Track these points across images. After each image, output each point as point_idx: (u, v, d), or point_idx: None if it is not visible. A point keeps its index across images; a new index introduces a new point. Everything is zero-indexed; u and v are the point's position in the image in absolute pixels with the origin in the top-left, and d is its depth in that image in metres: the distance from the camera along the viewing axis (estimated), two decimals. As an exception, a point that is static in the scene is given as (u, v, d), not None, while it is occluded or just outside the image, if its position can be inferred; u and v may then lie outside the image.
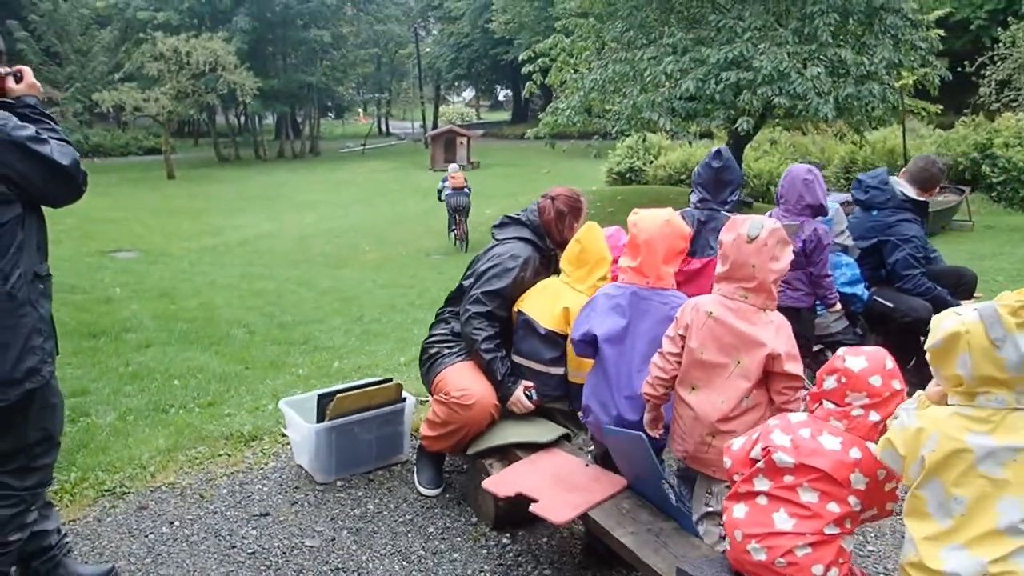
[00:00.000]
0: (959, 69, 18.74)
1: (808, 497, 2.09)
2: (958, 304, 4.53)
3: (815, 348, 4.69)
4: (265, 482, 3.68)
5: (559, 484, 2.92)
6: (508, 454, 3.24)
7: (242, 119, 47.29)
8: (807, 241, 4.16)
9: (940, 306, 4.57)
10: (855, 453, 2.09)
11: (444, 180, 18.12)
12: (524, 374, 3.39)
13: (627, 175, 23.39)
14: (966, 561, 1.99)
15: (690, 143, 19.27)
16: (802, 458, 2.10)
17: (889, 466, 2.11)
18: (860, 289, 4.51)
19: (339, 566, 3.03)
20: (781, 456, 2.11)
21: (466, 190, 17.89)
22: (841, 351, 2.23)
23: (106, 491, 3.62)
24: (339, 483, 3.64)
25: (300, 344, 7.43)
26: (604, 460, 3.09)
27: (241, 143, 43.77)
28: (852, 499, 2.08)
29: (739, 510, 2.19)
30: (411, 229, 20.38)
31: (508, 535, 3.23)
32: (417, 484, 3.60)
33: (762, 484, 2.16)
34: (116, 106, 33.14)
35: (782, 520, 2.10)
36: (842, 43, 13.71)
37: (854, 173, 19.69)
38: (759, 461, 2.17)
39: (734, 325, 2.62)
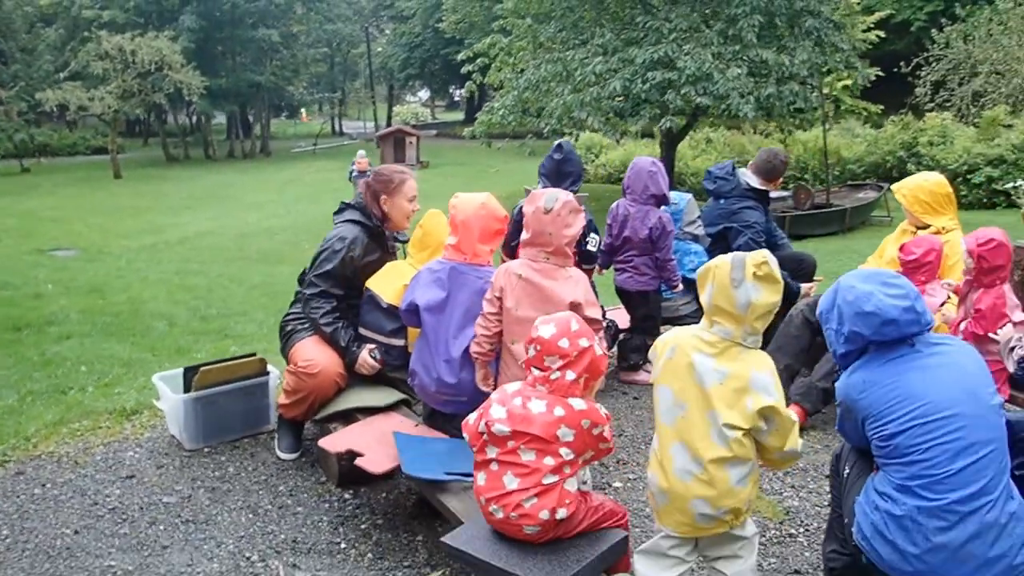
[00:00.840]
0: (895, 70, 19.41)
1: (527, 457, 2.43)
2: (797, 287, 4.94)
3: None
4: (138, 450, 3.97)
5: (385, 441, 3.25)
6: (351, 418, 3.56)
7: (193, 119, 47.06)
8: (653, 228, 4.54)
9: (787, 291, 4.99)
10: (559, 411, 2.44)
11: (352, 164, 19.10)
12: (373, 344, 3.72)
13: (570, 174, 23.79)
14: (686, 461, 2.53)
15: (618, 141, 19.64)
16: (515, 425, 2.43)
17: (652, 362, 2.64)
18: (706, 274, 4.89)
19: (190, 519, 3.34)
20: (499, 427, 2.45)
21: (369, 173, 18.09)
22: (537, 321, 2.56)
23: (-11, 459, 3.89)
24: (206, 450, 3.94)
25: (213, 334, 7.68)
26: (431, 419, 3.43)
27: (191, 143, 43.55)
28: (564, 450, 2.43)
29: (480, 478, 2.53)
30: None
31: (351, 492, 3.55)
32: (277, 449, 3.91)
33: (492, 452, 2.49)
34: (60, 105, 32.87)
35: (510, 480, 2.44)
36: (766, 44, 14.18)
37: (788, 172, 20.29)
38: (484, 434, 2.51)
39: (540, 283, 3.02)
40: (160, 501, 3.46)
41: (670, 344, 2.63)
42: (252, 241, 18.68)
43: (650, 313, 4.72)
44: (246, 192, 27.62)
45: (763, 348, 4.46)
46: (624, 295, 4.81)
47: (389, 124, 48.65)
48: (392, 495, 3.55)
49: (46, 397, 5.09)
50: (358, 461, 3.14)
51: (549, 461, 2.43)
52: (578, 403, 2.47)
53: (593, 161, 23.42)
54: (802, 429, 3.51)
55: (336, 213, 4.03)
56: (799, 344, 4.41)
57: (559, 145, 4.40)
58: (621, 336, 4.92)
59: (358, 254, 3.81)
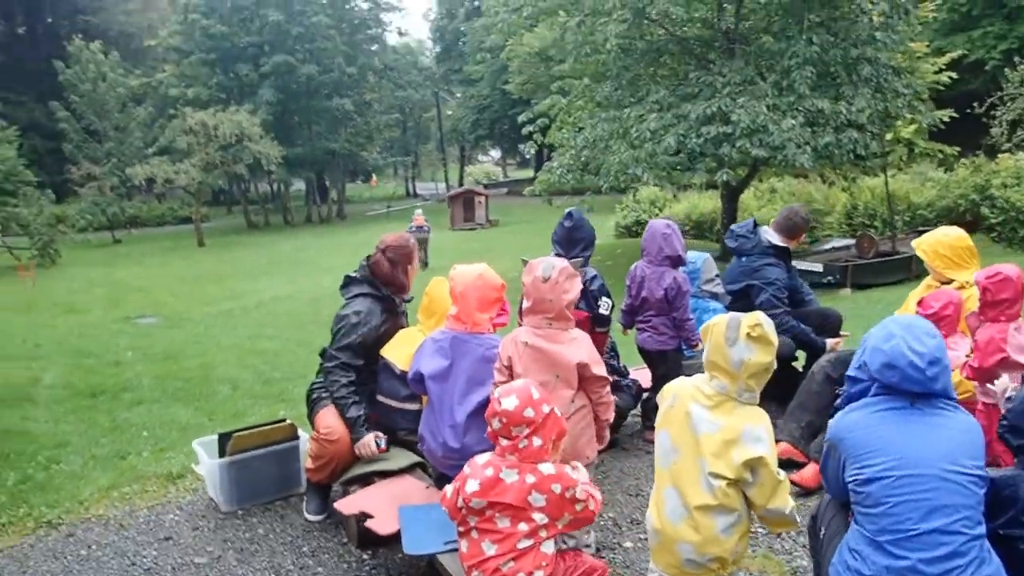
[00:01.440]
0: (969, 111, 19.06)
1: (502, 524, 2.60)
2: (821, 343, 4.98)
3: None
4: (178, 512, 4.22)
5: (395, 502, 3.43)
6: (369, 481, 3.76)
7: (272, 187, 48.81)
8: (668, 289, 4.67)
9: (802, 343, 5.02)
10: (529, 479, 2.59)
11: (412, 220, 23.20)
12: (385, 411, 3.92)
13: (633, 228, 23.91)
14: (676, 505, 2.72)
15: (674, 196, 19.66)
16: (489, 496, 2.59)
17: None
18: (726, 331, 4.96)
19: (218, 579, 3.56)
20: (476, 501, 2.61)
21: (425, 228, 22.75)
22: (496, 393, 2.72)
23: (45, 522, 4.19)
24: (240, 512, 4.17)
25: (271, 398, 8.00)
26: (440, 482, 3.59)
27: (271, 210, 45.16)
28: (537, 515, 2.59)
29: (463, 545, 2.70)
30: (418, 285, 21.10)
31: (369, 552, 3.71)
32: (304, 511, 4.12)
33: (472, 521, 2.66)
34: (149, 179, 34.53)
35: (488, 547, 2.60)
36: (822, 93, 14.16)
37: (856, 219, 20.01)
38: (462, 508, 2.67)
39: (546, 348, 3.18)
40: (192, 562, 3.69)
41: (672, 392, 2.82)
42: (325, 304, 19.19)
43: (670, 372, 4.79)
44: (321, 256, 28.44)
45: (785, 404, 4.55)
46: (645, 355, 4.92)
47: (461, 184, 49.64)
48: (407, 556, 3.70)
49: (106, 462, 5.43)
50: (368, 523, 3.33)
51: (523, 527, 2.59)
52: (547, 468, 2.63)
53: (657, 215, 23.49)
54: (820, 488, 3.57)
55: (342, 287, 4.25)
56: (821, 400, 4.42)
57: (569, 213, 4.57)
58: (644, 396, 5.03)
59: (375, 323, 4.04)
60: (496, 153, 73.21)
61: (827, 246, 15.56)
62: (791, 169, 15.62)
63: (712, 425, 2.66)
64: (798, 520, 2.78)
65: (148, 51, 52.31)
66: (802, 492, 4.05)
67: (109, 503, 4.39)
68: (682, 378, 2.90)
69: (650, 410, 4.92)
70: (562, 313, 3.18)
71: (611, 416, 3.30)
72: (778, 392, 4.73)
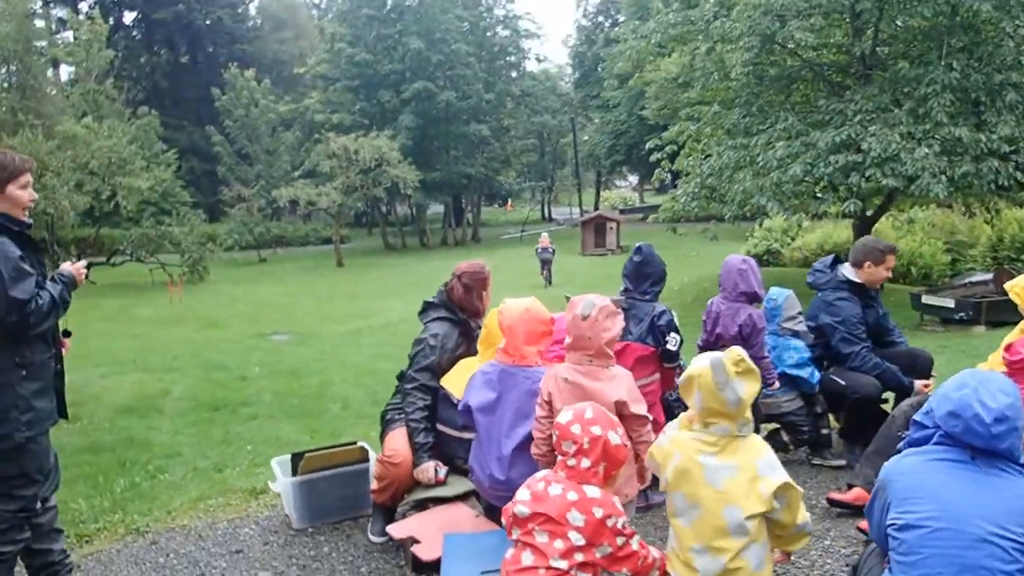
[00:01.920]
0: None
1: (541, 539, 2.64)
2: (909, 382, 4.76)
3: (772, 427, 5.03)
4: (254, 527, 4.43)
5: (444, 529, 3.50)
6: (425, 506, 3.85)
7: (412, 210, 50.25)
8: (743, 326, 4.58)
9: (890, 383, 4.81)
10: (572, 496, 2.63)
11: (538, 242, 26.40)
12: (444, 439, 4.01)
13: (764, 257, 23.36)
14: (708, 560, 2.69)
15: (799, 225, 19.03)
16: (534, 507, 2.66)
17: (655, 472, 2.86)
18: (807, 371, 4.81)
19: (277, 593, 3.72)
20: (520, 508, 2.69)
21: (550, 249, 26.13)
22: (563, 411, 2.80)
23: (134, 529, 4.47)
24: (310, 529, 4.33)
25: (375, 419, 8.21)
26: (489, 512, 3.64)
27: (408, 232, 46.49)
28: (573, 534, 2.60)
29: (508, 553, 2.76)
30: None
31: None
32: (368, 532, 4.24)
33: (516, 533, 2.72)
34: (292, 201, 36.21)
35: (527, 558, 2.64)
36: (963, 121, 13.53)
37: (1001, 253, 18.91)
38: (512, 516, 2.74)
39: (586, 384, 3.22)
40: (256, 575, 3.87)
41: (672, 452, 2.79)
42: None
43: (745, 411, 4.70)
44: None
45: (864, 448, 4.38)
46: (721, 393, 4.82)
47: (596, 209, 49.72)
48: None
49: (204, 474, 5.74)
50: (414, 548, 3.42)
51: (559, 544, 2.62)
52: (592, 491, 2.68)
53: (789, 244, 22.89)
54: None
55: (421, 312, 4.39)
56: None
57: (639, 248, 4.58)
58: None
59: (451, 346, 4.16)
60: (634, 179, 72.98)
61: (964, 280, 14.75)
62: (926, 199, 14.94)
63: (731, 470, 2.66)
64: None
65: (297, 78, 55.05)
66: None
67: (195, 514, 4.65)
68: (672, 435, 2.88)
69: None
70: (601, 350, 3.20)
71: (651, 456, 3.28)
72: (865, 434, 4.56)
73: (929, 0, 13.48)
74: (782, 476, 2.66)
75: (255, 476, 5.37)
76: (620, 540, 2.66)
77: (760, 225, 22.36)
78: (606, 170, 57.91)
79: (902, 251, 19.89)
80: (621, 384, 3.22)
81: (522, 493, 2.76)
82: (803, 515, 2.74)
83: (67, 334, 3.69)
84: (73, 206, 25.07)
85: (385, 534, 4.19)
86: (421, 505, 3.88)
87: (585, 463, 2.69)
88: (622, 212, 50.54)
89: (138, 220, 30.36)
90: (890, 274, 5.07)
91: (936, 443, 2.49)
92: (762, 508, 2.63)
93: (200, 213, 33.43)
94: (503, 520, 2.84)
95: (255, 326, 19.23)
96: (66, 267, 3.51)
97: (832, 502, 4.23)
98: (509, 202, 60.26)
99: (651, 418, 3.23)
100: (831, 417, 5.18)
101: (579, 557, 2.61)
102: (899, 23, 15.12)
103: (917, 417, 2.62)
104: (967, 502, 2.34)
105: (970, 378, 2.48)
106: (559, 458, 2.77)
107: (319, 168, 36.32)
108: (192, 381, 10.92)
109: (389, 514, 4.24)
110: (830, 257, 5.25)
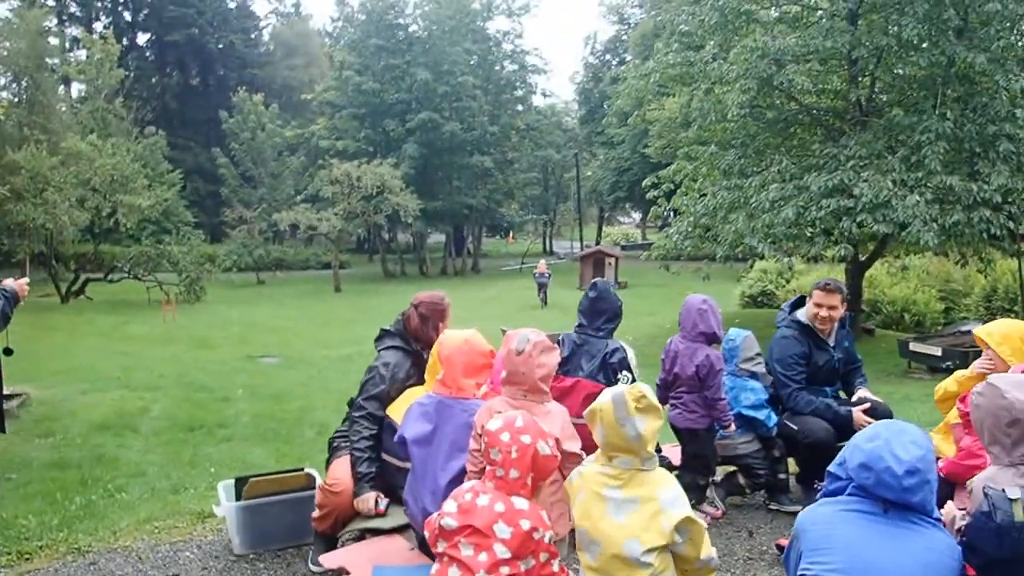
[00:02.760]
0: None
1: (466, 552, 2.64)
2: (847, 412, 4.73)
3: (730, 469, 4.99)
4: (196, 551, 4.38)
5: (375, 561, 3.45)
6: (364, 536, 3.80)
7: (413, 238, 50.43)
8: (700, 366, 4.54)
9: (826, 417, 4.75)
10: (499, 507, 2.65)
11: (537, 268, 28.87)
12: (388, 469, 3.97)
13: (759, 298, 23.34)
14: None
15: (790, 268, 18.98)
16: (461, 519, 2.67)
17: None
18: (763, 413, 4.76)
19: (208, 620, 3.67)
20: (448, 521, 2.69)
21: (547, 275, 29.21)
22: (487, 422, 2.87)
23: (75, 549, 4.42)
24: (251, 556, 4.28)
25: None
26: (423, 546, 3.59)
27: (409, 260, 46.59)
28: (498, 547, 2.60)
29: (433, 569, 2.75)
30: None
31: (355, 608, 3.75)
32: (309, 561, 4.19)
33: (441, 546, 2.72)
34: (293, 224, 36.36)
35: (453, 574, 2.61)
36: (955, 169, 13.57)
37: (995, 303, 18.88)
38: (437, 529, 2.75)
39: None
40: (189, 600, 3.83)
41: (580, 486, 2.81)
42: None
43: (700, 451, 4.66)
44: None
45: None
46: (676, 432, 4.79)
47: (598, 244, 49.87)
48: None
49: (161, 495, 5.69)
50: (343, 578, 3.37)
51: (483, 558, 2.62)
52: (520, 502, 2.69)
53: (784, 287, 22.86)
54: None
55: (376, 340, 4.37)
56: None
57: (595, 284, 4.57)
58: (674, 473, 4.87)
59: (401, 378, 4.12)
60: (637, 215, 73.29)
61: (954, 329, 14.72)
62: (917, 247, 14.95)
63: (633, 503, 2.66)
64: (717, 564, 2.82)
65: (305, 104, 55.52)
66: None
67: (139, 535, 4.60)
68: (581, 470, 2.87)
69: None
70: (535, 386, 3.18)
71: (584, 493, 3.24)
72: (821, 480, 4.50)
73: (925, 50, 13.61)
74: (684, 510, 2.65)
75: (208, 499, 5.31)
76: (544, 556, 2.67)
77: (752, 266, 22.41)
78: (608, 206, 58.15)
79: (895, 298, 19.88)
80: (555, 420, 3.19)
81: (449, 505, 2.76)
82: (708, 550, 2.71)
83: (8, 352, 3.67)
84: (73, 222, 25.21)
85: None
86: (362, 535, 3.83)
87: (514, 474, 2.70)
88: (623, 248, 50.60)
89: (138, 238, 30.50)
90: (824, 312, 4.89)
91: (850, 494, 2.47)
92: (662, 541, 2.61)
93: (201, 233, 33.59)
94: (426, 533, 2.83)
95: (245, 348, 19.18)
96: (9, 283, 3.51)
97: (781, 548, 4.18)
98: (511, 234, 60.46)
99: (584, 456, 3.19)
100: (791, 461, 5.12)
101: (504, 571, 2.59)
102: (896, 72, 15.23)
103: (831, 468, 2.61)
104: (876, 555, 2.32)
105: (883, 429, 2.48)
106: (487, 468, 2.79)
107: (322, 193, 36.50)
108: (172, 401, 10.88)
109: (331, 542, 4.19)
110: (795, 298, 5.22)
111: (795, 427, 4.77)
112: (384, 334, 4.36)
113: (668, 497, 2.66)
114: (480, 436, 3.23)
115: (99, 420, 9.12)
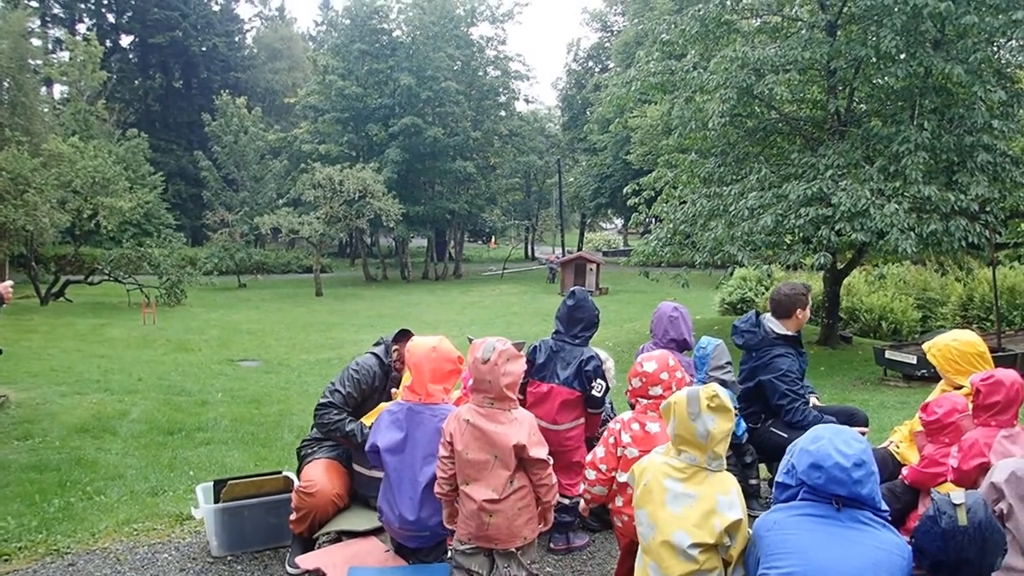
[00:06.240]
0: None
1: None
2: None
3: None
4: (174, 553, 4.42)
5: (351, 562, 3.52)
6: (340, 539, 3.86)
7: (395, 242, 50.40)
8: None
9: None
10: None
11: (547, 257, 28.29)
12: (359, 479, 4.04)
13: (738, 305, 23.50)
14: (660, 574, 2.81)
15: (769, 276, 19.13)
16: (640, 446, 3.26)
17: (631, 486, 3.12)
18: (734, 421, 4.84)
19: (186, 621, 3.71)
20: (630, 451, 3.33)
21: (555, 261, 31.37)
22: (639, 358, 3.54)
23: (54, 550, 4.45)
24: (229, 558, 4.33)
25: (325, 449, 8.21)
26: (399, 550, 3.67)
27: (390, 264, 46.57)
28: None
29: (618, 500, 3.35)
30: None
31: (331, 609, 3.80)
32: (286, 563, 4.24)
33: (621, 477, 3.29)
34: (274, 228, 36.25)
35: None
36: (932, 179, 13.73)
37: (971, 312, 19.10)
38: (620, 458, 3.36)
39: (485, 427, 3.25)
40: (167, 601, 3.87)
41: (646, 471, 2.96)
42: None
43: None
44: (428, 311, 29.05)
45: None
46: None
47: (580, 250, 50.02)
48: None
49: (139, 497, 5.71)
50: (318, 579, 3.42)
51: None
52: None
53: (763, 294, 23.02)
54: None
55: (375, 344, 4.46)
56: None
57: (572, 292, 4.63)
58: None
59: (366, 380, 4.20)
60: (619, 222, 73.55)
61: (931, 338, 14.88)
62: (895, 255, 15.13)
63: (689, 498, 2.78)
64: None
65: (288, 108, 55.44)
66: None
67: (118, 537, 4.64)
68: (650, 458, 2.99)
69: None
70: (502, 394, 3.25)
71: (552, 498, 3.30)
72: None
73: (903, 62, 13.77)
74: (736, 516, 2.75)
75: (186, 501, 5.35)
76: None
77: (731, 274, 22.54)
78: (590, 212, 58.29)
79: (873, 306, 20.09)
80: (522, 427, 3.25)
81: (624, 437, 3.44)
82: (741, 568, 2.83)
83: None
84: (54, 223, 25.04)
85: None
86: (338, 537, 3.89)
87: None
88: (604, 254, 50.83)
89: (119, 240, 30.33)
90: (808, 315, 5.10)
91: (801, 499, 2.57)
92: (711, 540, 2.72)
93: (182, 236, 33.45)
94: (602, 467, 3.49)
95: (225, 351, 19.14)
96: None
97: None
98: (493, 239, 60.55)
99: (551, 462, 3.26)
100: (762, 468, 5.21)
101: None
102: (874, 82, 15.40)
103: (779, 479, 2.73)
104: (829, 556, 2.41)
105: (824, 431, 2.62)
106: (643, 400, 3.47)
107: (304, 197, 36.40)
108: (152, 404, 10.85)
109: (308, 545, 4.25)
110: (751, 314, 5.22)
111: (785, 435, 4.80)
112: (380, 341, 4.46)
113: (726, 500, 2.77)
114: (449, 444, 3.30)
115: (78, 422, 9.10)
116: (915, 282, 21.14)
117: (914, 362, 12.67)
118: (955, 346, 4.30)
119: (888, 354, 13.31)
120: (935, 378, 12.15)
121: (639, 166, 38.90)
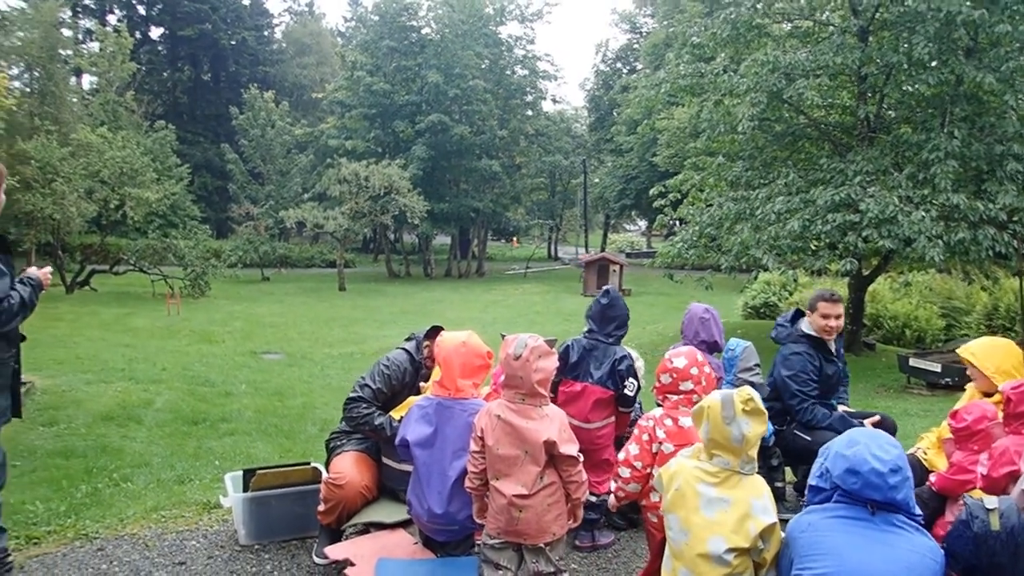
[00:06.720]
0: None
1: None
2: (859, 424, 4.78)
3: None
4: (202, 540, 4.46)
5: (380, 554, 3.53)
6: (368, 530, 3.88)
7: (420, 239, 50.50)
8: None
9: (842, 431, 4.82)
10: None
11: (578, 257, 28.54)
12: (388, 472, 4.06)
13: (761, 309, 23.39)
14: None
15: (795, 281, 19.04)
16: (675, 441, 3.31)
17: (659, 491, 3.12)
18: (761, 423, 4.83)
19: (213, 607, 3.74)
20: (666, 446, 3.36)
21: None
22: (668, 354, 3.57)
23: (83, 535, 4.51)
24: (256, 547, 4.36)
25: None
26: (427, 543, 3.68)
27: (414, 261, 46.67)
28: None
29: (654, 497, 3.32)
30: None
31: (358, 600, 3.82)
32: (314, 553, 4.27)
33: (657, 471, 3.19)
34: (299, 222, 36.41)
35: None
36: (961, 187, 13.61)
37: (996, 321, 18.90)
38: (656, 454, 3.40)
39: (517, 423, 3.25)
40: (194, 588, 3.90)
41: (676, 476, 2.94)
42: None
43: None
44: (451, 309, 29.09)
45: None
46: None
47: (603, 251, 49.94)
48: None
49: (166, 485, 5.76)
50: (347, 570, 3.45)
51: None
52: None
53: (787, 299, 22.91)
54: None
55: (406, 340, 4.47)
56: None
57: (606, 291, 4.64)
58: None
59: (397, 376, 4.21)
60: (643, 223, 73.37)
61: (954, 346, 14.73)
62: (921, 263, 15.00)
63: (724, 503, 2.77)
64: None
65: (315, 103, 55.65)
66: None
67: (146, 523, 4.68)
68: (680, 462, 2.98)
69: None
70: (533, 390, 3.25)
71: (582, 495, 3.31)
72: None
73: (934, 69, 13.65)
74: (771, 519, 2.75)
75: (213, 490, 5.40)
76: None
77: (755, 278, 22.46)
78: (615, 213, 58.16)
79: (897, 313, 19.93)
80: (553, 424, 3.26)
81: (659, 432, 3.46)
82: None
83: (22, 338, 3.74)
84: (81, 213, 25.28)
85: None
86: (366, 529, 3.91)
87: (696, 398, 3.31)
88: (628, 256, 50.70)
89: (144, 231, 30.57)
90: (833, 323, 4.98)
91: (836, 501, 2.56)
92: (746, 544, 2.71)
93: (207, 228, 33.63)
94: (636, 464, 3.50)
95: (248, 343, 19.20)
96: (33, 271, 3.58)
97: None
98: (516, 238, 60.53)
99: (582, 459, 3.27)
100: (788, 471, 5.19)
101: None
102: (905, 89, 15.28)
103: (812, 481, 2.71)
104: (863, 558, 2.40)
105: (859, 435, 2.61)
106: (672, 397, 3.54)
107: (329, 192, 36.50)
108: (176, 394, 10.93)
109: (335, 536, 4.27)
110: (791, 311, 5.28)
111: (808, 438, 4.81)
112: (411, 337, 4.47)
113: (760, 504, 2.77)
114: (480, 439, 3.30)
115: (103, 410, 9.18)
116: (940, 290, 20.95)
117: (938, 370, 12.57)
118: (1000, 344, 4.27)
119: (912, 362, 13.21)
120: (959, 387, 12.08)
121: (665, 168, 38.72)
